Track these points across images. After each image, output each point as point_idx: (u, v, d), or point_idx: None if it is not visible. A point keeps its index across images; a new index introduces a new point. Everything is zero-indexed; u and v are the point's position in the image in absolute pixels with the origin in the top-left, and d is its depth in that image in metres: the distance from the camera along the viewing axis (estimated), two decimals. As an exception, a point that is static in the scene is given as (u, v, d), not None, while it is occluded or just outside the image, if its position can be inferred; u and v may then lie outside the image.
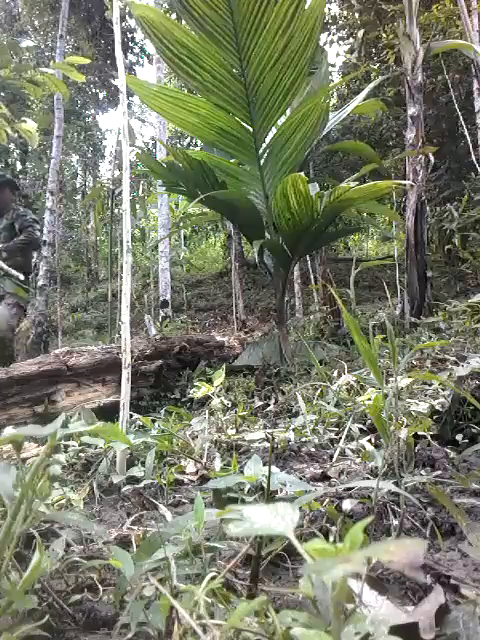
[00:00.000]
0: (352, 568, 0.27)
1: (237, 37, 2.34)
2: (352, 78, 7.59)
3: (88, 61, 2.13)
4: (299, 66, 2.43)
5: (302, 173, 2.17)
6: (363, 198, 2.41)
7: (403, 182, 2.64)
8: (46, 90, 2.18)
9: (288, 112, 2.69)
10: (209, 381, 1.57)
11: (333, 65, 9.38)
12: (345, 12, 8.94)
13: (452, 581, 0.58)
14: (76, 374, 1.89)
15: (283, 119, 2.61)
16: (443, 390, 1.53)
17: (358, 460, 1.11)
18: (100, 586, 0.63)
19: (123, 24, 12.07)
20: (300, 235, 2.54)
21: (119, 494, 1.04)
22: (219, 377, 1.53)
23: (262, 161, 2.69)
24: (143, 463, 1.12)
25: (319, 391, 1.68)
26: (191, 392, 1.59)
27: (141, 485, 1.04)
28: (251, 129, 2.60)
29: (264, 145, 2.65)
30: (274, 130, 2.65)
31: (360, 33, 7.79)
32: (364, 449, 1.14)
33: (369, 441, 1.21)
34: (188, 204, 3.24)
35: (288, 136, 2.56)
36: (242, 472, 0.82)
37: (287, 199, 2.29)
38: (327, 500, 0.82)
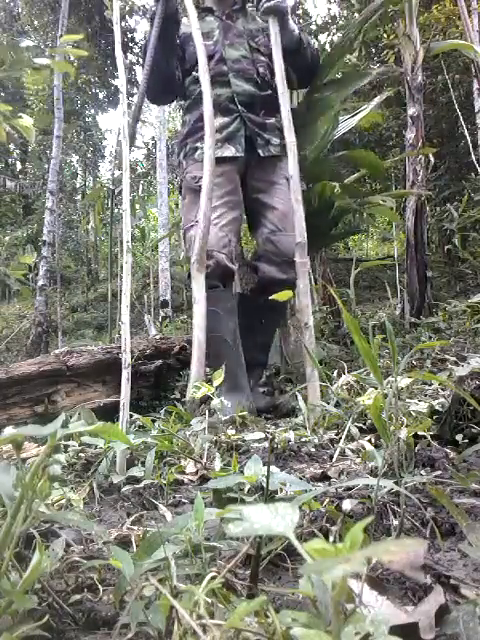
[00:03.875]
0: (352, 568, 0.27)
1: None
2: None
3: (85, 53, 2.10)
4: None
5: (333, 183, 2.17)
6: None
7: (419, 192, 2.65)
8: (47, 79, 2.15)
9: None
10: (209, 381, 1.57)
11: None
12: (345, 12, 8.93)
13: (452, 581, 0.58)
14: (76, 374, 1.89)
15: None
16: (443, 390, 1.53)
17: (358, 460, 1.11)
18: (100, 586, 0.62)
19: (123, 24, 12.07)
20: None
21: (119, 494, 1.04)
22: (219, 377, 1.53)
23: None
24: (143, 463, 1.12)
25: (319, 391, 1.68)
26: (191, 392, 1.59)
27: (141, 485, 1.04)
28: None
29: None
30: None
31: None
32: (364, 449, 1.14)
33: (369, 441, 1.21)
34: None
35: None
36: (242, 472, 0.82)
37: (309, 203, 2.29)
38: (327, 500, 0.82)
